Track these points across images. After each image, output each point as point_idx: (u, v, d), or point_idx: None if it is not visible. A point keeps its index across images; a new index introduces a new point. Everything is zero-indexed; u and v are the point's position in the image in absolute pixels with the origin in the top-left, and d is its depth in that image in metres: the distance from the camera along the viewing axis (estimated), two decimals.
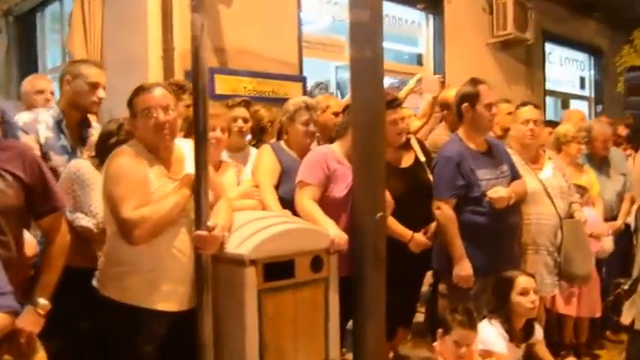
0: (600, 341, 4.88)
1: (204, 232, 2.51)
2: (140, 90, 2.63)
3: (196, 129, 2.53)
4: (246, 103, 3.66)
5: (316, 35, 6.61)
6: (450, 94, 4.22)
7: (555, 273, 3.91)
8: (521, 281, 3.41)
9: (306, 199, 3.18)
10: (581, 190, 4.37)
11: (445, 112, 4.51)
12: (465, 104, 3.63)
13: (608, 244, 4.36)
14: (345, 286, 3.00)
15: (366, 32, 3.12)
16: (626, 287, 2.18)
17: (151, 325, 2.56)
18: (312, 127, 3.53)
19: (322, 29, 6.90)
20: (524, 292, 3.37)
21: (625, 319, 2.20)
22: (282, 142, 3.59)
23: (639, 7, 10.32)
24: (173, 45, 4.64)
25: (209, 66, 4.74)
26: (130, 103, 2.63)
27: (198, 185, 2.52)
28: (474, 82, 3.70)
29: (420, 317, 4.46)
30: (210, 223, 2.53)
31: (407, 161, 3.71)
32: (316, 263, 2.82)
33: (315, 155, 3.34)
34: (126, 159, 2.55)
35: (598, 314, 4.58)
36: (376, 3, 3.12)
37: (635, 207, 4.89)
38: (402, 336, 3.75)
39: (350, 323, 3.23)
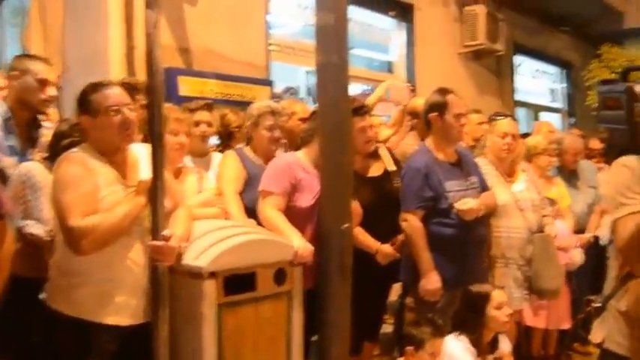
0: (568, 353, 4.86)
1: (160, 242, 2.37)
2: (99, 86, 2.48)
3: (152, 132, 2.39)
4: (209, 107, 3.52)
5: (286, 39, 6.52)
6: (420, 102, 4.15)
7: (525, 287, 3.86)
8: (497, 295, 3.36)
9: (269, 209, 3.05)
10: (550, 202, 4.34)
11: (415, 120, 4.44)
12: (434, 114, 3.56)
13: (577, 256, 4.34)
14: (310, 299, 2.89)
15: (331, 36, 3.03)
16: (596, 305, 2.12)
17: (102, 340, 2.40)
18: (277, 133, 3.41)
19: (293, 33, 6.81)
20: (500, 307, 3.32)
21: (595, 337, 2.14)
22: (247, 148, 3.46)
23: (607, 23, 10.52)
24: (136, 43, 4.48)
25: (173, 67, 4.61)
26: (86, 101, 2.47)
27: (154, 192, 2.38)
28: (443, 91, 3.63)
29: (387, 328, 4.38)
30: (166, 233, 2.39)
31: (375, 170, 3.62)
32: (279, 276, 2.70)
33: (279, 163, 3.22)
34: (76, 164, 2.39)
35: (566, 326, 4.57)
36: (341, 6, 3.03)
37: (604, 220, 4.91)
38: (368, 350, 3.64)
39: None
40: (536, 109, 10.73)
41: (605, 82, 2.17)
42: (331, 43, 3.03)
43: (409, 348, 3.10)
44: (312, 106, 4.61)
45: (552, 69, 11.31)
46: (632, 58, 9.31)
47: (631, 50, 9.62)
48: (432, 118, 3.57)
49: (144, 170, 2.48)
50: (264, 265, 2.64)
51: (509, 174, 3.99)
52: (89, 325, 2.37)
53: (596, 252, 4.87)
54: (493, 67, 9.10)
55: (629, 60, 9.26)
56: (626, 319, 1.98)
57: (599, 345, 2.15)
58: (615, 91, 2.00)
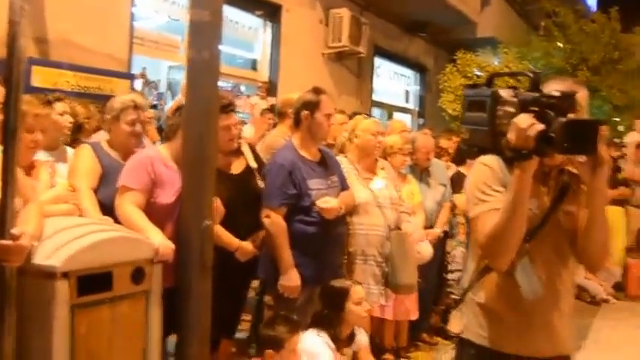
0: (417, 343, 5.11)
1: (8, 242, 2.22)
2: None
3: (6, 127, 2.23)
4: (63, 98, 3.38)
5: (150, 33, 6.35)
6: (291, 98, 4.21)
7: (382, 283, 4.02)
8: (357, 291, 3.47)
9: (128, 205, 2.96)
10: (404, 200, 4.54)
11: (288, 112, 4.44)
12: (305, 112, 3.62)
13: (426, 250, 4.57)
14: (169, 298, 2.84)
15: (205, 32, 3.00)
16: (456, 297, 2.26)
17: None
18: (138, 128, 3.32)
19: (156, 27, 6.65)
20: (359, 302, 3.43)
21: (454, 327, 2.28)
22: (102, 142, 3.34)
23: (462, 31, 11.27)
24: None
25: (27, 56, 4.33)
26: None
27: (4, 188, 2.23)
28: (317, 91, 3.70)
29: (244, 325, 4.38)
30: (15, 231, 2.24)
31: (237, 167, 3.62)
32: (137, 275, 2.64)
33: (139, 158, 3.14)
34: None
35: (414, 317, 4.76)
36: (217, 4, 3.01)
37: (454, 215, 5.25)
38: (225, 348, 3.63)
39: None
40: (390, 110, 11.26)
41: (471, 86, 2.29)
42: (204, 39, 3.00)
43: (269, 351, 3.11)
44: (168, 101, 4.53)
45: (409, 72, 11.91)
46: (482, 65, 10.06)
47: (482, 57, 10.36)
48: (303, 115, 3.62)
49: None
50: (120, 263, 2.57)
51: (369, 171, 4.15)
52: None
53: (443, 246, 5.21)
54: (354, 69, 9.42)
55: (479, 66, 10.01)
56: (483, 311, 2.12)
57: (457, 335, 2.27)
58: (481, 95, 2.12)
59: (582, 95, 2.04)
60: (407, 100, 12.18)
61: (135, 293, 2.63)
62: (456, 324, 2.24)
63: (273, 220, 3.45)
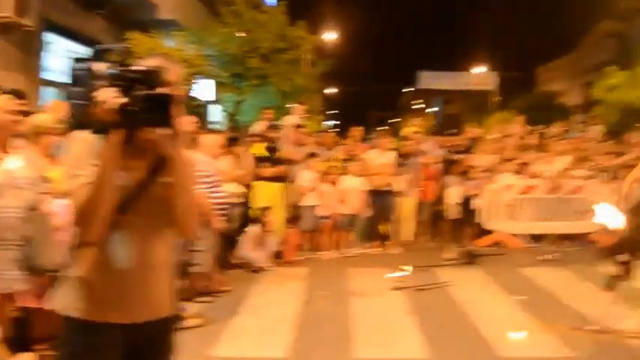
0: None
1: None
2: None
3: None
4: None
5: None
6: None
7: (24, 267, 3.82)
8: None
9: None
10: (51, 181, 4.37)
11: None
12: None
13: None
14: None
15: None
16: (54, 274, 2.23)
17: None
18: None
19: None
20: None
21: (53, 305, 2.23)
22: None
23: (143, 11, 11.20)
24: None
25: None
26: None
27: None
28: None
29: None
30: None
31: None
32: None
33: None
34: None
35: None
36: None
37: None
38: None
39: None
40: (64, 88, 10.70)
41: (79, 59, 2.27)
42: None
43: None
44: None
45: (85, 50, 11.43)
46: (154, 46, 10.08)
47: (157, 39, 10.36)
48: None
49: None
50: None
51: (3, 152, 3.89)
52: None
53: None
54: (20, 43, 8.72)
55: (152, 47, 10.02)
56: (81, 284, 2.12)
57: (57, 312, 2.22)
58: (81, 69, 2.11)
59: (174, 71, 2.15)
60: None
61: None
62: (57, 302, 2.22)
63: None
